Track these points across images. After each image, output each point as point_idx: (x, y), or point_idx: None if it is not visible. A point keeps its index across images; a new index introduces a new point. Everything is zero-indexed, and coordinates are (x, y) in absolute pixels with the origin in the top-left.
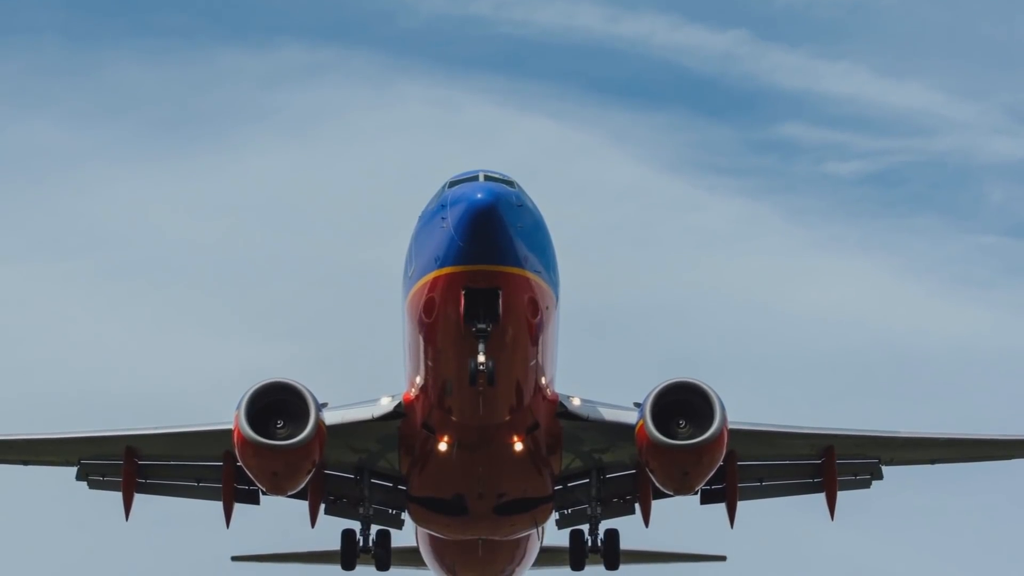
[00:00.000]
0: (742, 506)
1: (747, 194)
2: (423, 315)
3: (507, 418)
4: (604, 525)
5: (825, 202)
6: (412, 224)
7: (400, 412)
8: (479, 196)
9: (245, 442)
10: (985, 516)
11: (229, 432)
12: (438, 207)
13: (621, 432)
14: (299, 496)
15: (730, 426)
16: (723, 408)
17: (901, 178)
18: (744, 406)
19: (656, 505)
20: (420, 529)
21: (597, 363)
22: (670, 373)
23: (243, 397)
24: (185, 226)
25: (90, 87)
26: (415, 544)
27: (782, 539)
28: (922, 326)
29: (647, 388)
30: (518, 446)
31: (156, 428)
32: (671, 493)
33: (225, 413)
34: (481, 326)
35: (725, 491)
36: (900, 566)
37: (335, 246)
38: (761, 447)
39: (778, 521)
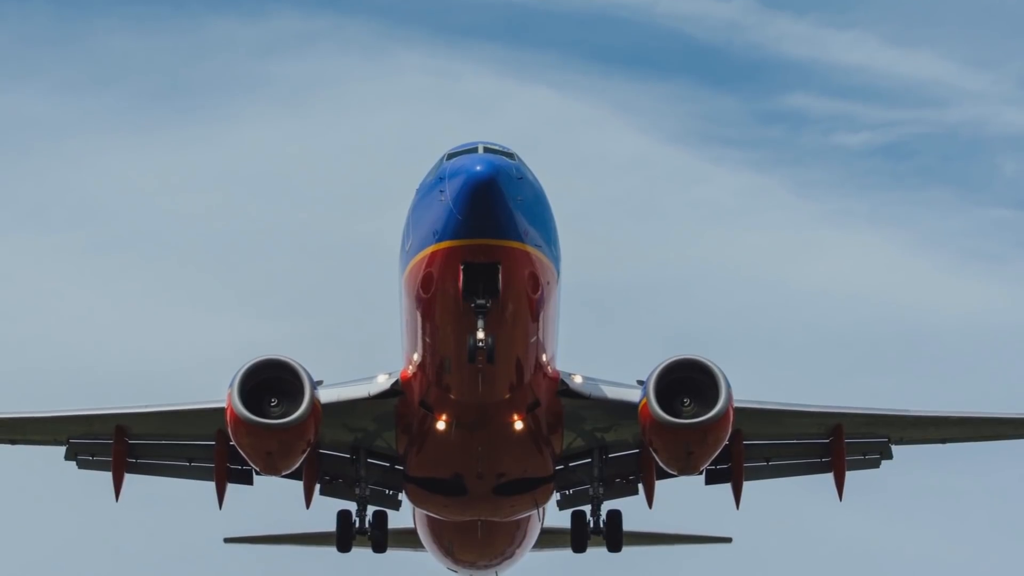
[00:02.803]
0: (748, 486)
1: (753, 166)
2: (421, 290)
3: (507, 396)
4: (606, 506)
5: (833, 174)
6: (409, 197)
7: (397, 390)
8: (478, 168)
9: (238, 421)
10: (997, 497)
11: (222, 410)
12: (436, 179)
13: (624, 410)
14: (294, 476)
15: (736, 404)
16: (728, 386)
17: (911, 150)
18: (750, 384)
19: (660, 485)
20: (418, 510)
21: (599, 340)
22: (674, 350)
23: (236, 374)
24: (176, 199)
25: (79, 56)
26: (412, 525)
27: (789, 520)
28: (933, 301)
29: (650, 365)
30: (518, 425)
31: (147, 406)
32: (675, 473)
33: (218, 391)
34: (480, 301)
35: (730, 471)
36: (910, 548)
37: (330, 219)
38: (767, 426)
39: (785, 502)
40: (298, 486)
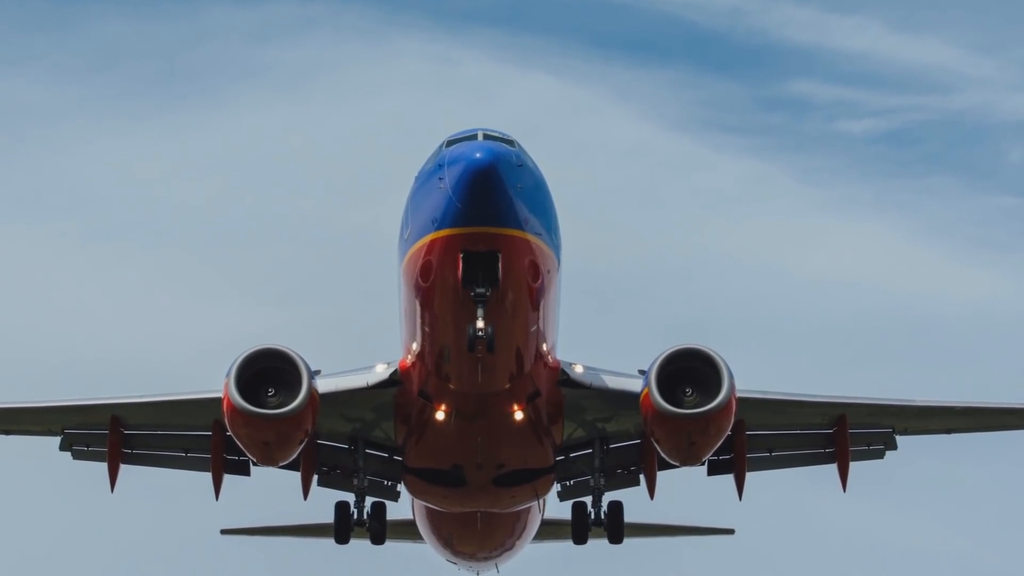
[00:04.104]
0: (751, 477)
1: (756, 153)
2: (420, 279)
3: (507, 386)
4: (608, 497)
5: (837, 162)
6: (408, 184)
7: (396, 380)
8: (478, 155)
9: (235, 411)
10: (1002, 487)
11: (218, 400)
12: (435, 167)
13: (625, 400)
14: (291, 467)
15: (738, 394)
16: (731, 376)
17: (916, 137)
18: (753, 373)
19: (662, 476)
20: (417, 501)
21: (600, 329)
22: (676, 339)
23: (233, 364)
24: (172, 186)
25: (73, 42)
26: (411, 517)
27: (792, 511)
28: (938, 290)
29: (652, 355)
30: (518, 415)
31: (142, 396)
32: (677, 464)
33: (214, 381)
34: (480, 290)
35: (733, 462)
36: (915, 539)
37: (328, 207)
38: (771, 416)
39: (788, 493)
40: (296, 477)
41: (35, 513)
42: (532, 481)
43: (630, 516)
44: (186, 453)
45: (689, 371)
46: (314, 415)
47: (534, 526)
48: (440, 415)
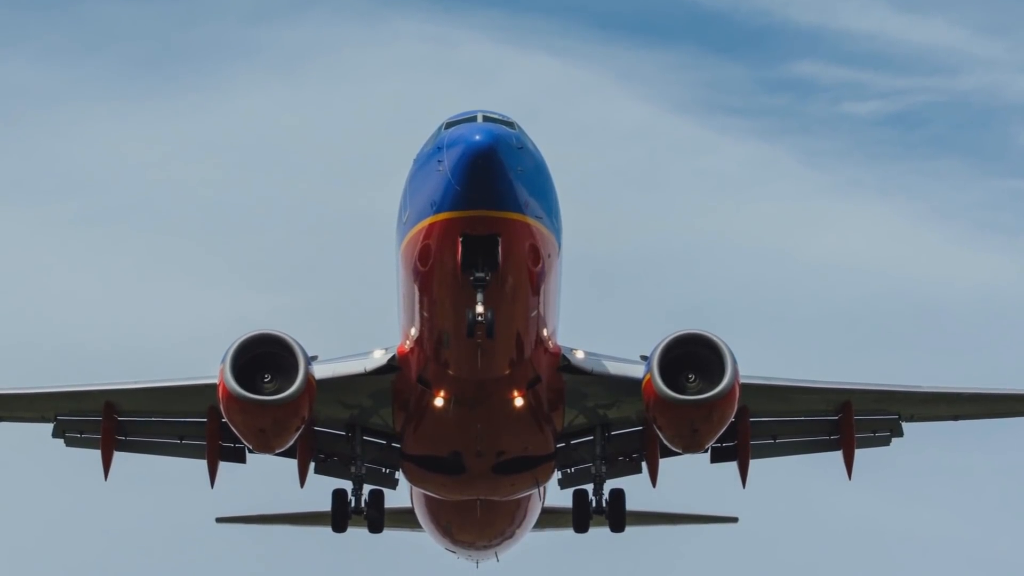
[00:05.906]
0: (755, 465)
1: (760, 136)
2: (418, 263)
3: (507, 372)
4: (609, 485)
5: (842, 144)
6: (407, 167)
7: (394, 366)
8: (477, 138)
9: (231, 397)
10: (1009, 475)
11: (214, 387)
12: (434, 149)
13: (627, 386)
14: (288, 454)
15: (742, 380)
16: (734, 361)
17: (922, 119)
18: (757, 359)
19: (664, 464)
20: (415, 489)
21: (602, 314)
22: (679, 324)
23: (228, 350)
24: (167, 169)
25: (67, 22)
26: (410, 505)
27: (797, 499)
28: (944, 274)
29: (654, 340)
30: (518, 401)
31: (136, 383)
32: (680, 451)
33: (209, 366)
34: (479, 275)
35: (737, 449)
36: (921, 527)
37: (326, 190)
38: (775, 403)
39: (793, 480)
40: (292, 464)
41: (28, 501)
42: (532, 468)
43: (632, 504)
44: (181, 440)
45: (692, 357)
46: (311, 401)
47: (534, 514)
48: (439, 401)
